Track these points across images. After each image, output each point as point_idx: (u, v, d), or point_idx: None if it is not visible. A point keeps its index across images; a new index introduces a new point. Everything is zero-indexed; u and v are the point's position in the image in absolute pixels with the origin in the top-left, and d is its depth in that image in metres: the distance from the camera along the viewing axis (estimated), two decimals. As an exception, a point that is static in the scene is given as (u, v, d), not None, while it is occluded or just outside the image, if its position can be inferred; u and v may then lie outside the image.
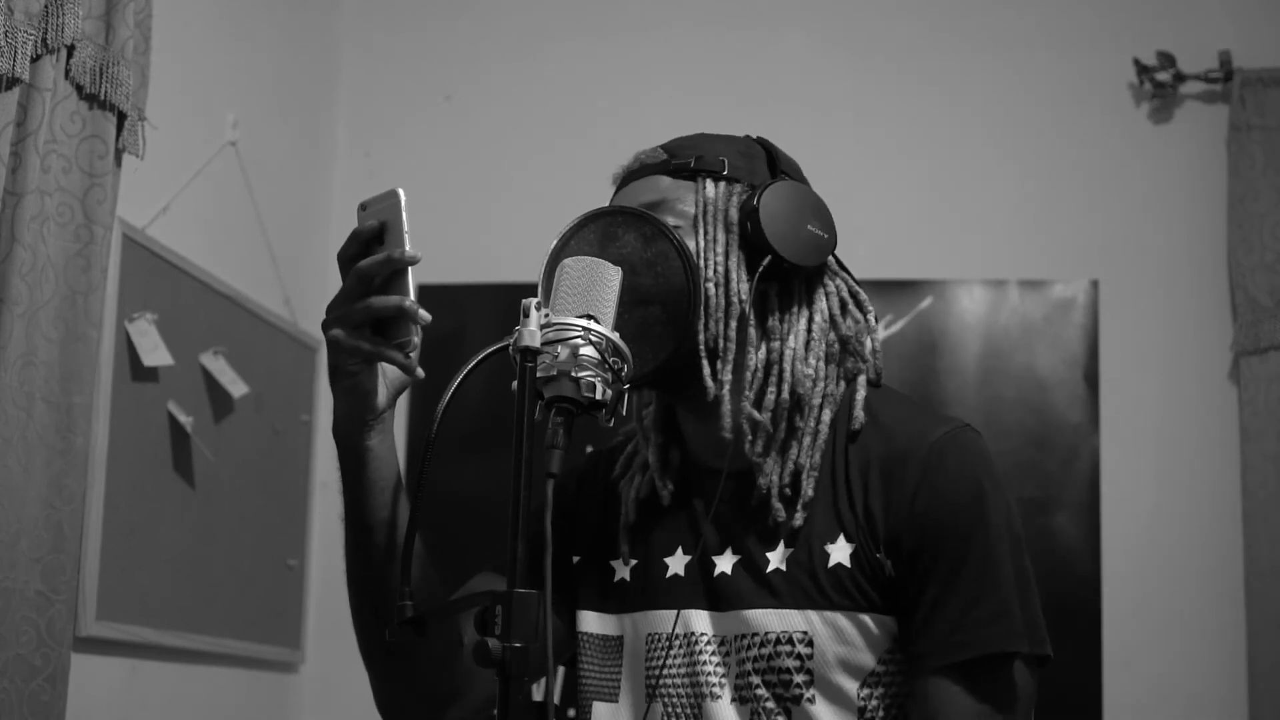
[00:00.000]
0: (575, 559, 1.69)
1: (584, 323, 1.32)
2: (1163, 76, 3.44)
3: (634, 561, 1.63)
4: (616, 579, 1.64)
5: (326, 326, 1.46)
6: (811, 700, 1.50)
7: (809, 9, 3.64)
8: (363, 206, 1.47)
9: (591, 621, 1.65)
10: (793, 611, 1.50)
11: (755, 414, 1.54)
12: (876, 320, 1.64)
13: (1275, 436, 3.23)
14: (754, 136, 1.66)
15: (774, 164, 1.62)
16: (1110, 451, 3.37)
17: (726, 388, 1.55)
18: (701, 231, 1.56)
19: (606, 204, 1.61)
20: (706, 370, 1.55)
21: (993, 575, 1.48)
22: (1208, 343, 3.39)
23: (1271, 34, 3.44)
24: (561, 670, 1.79)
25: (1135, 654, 3.29)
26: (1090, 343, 3.41)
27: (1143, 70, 3.44)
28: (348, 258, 1.46)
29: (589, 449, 1.76)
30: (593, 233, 1.54)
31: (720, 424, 1.55)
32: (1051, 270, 3.46)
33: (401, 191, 1.44)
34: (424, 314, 1.42)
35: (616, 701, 1.61)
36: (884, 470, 1.52)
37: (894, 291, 3.44)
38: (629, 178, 1.63)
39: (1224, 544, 3.30)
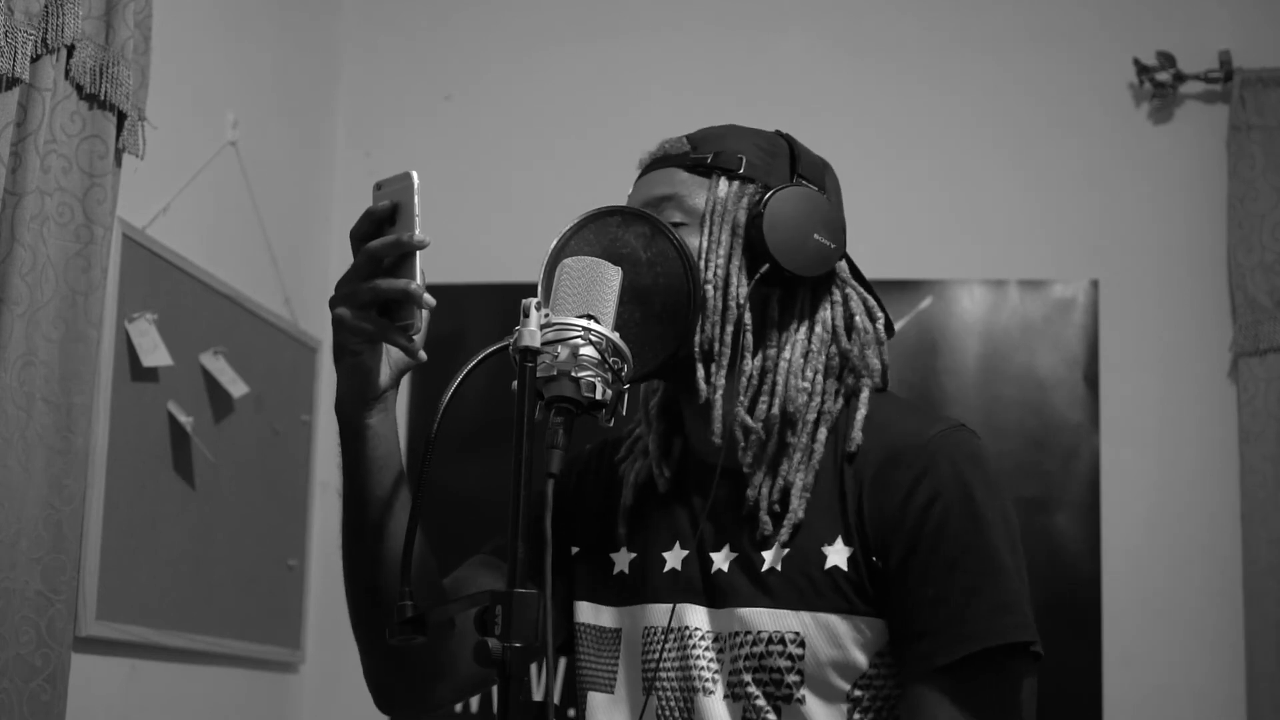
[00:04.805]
0: (574, 550, 1.69)
1: (584, 323, 1.32)
2: (1163, 76, 3.44)
3: (633, 555, 1.63)
4: (615, 571, 1.64)
5: (333, 304, 1.47)
6: (802, 700, 1.49)
7: (809, 9, 3.64)
8: (378, 186, 1.48)
9: (589, 613, 1.65)
10: (786, 612, 1.50)
11: (748, 420, 1.54)
12: (890, 330, 1.63)
13: (1274, 437, 3.23)
14: (782, 133, 1.65)
15: (795, 165, 1.60)
16: (1110, 451, 3.37)
17: (719, 392, 1.55)
18: (707, 231, 1.56)
19: (611, 201, 1.61)
20: (701, 374, 1.55)
21: (990, 570, 1.47)
22: (1207, 343, 3.39)
23: (1271, 34, 3.44)
24: (562, 669, 1.80)
25: (1135, 654, 3.28)
26: (1090, 343, 3.41)
27: (1143, 70, 3.44)
28: (360, 236, 1.46)
29: (588, 448, 1.76)
30: (593, 232, 1.55)
31: (711, 429, 1.55)
32: (1051, 270, 3.46)
33: (415, 175, 1.45)
34: (429, 298, 1.43)
35: (612, 693, 1.62)
36: (879, 472, 1.51)
37: (894, 291, 3.44)
38: (650, 166, 1.63)
39: (1223, 544, 3.30)
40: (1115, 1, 3.54)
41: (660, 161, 1.62)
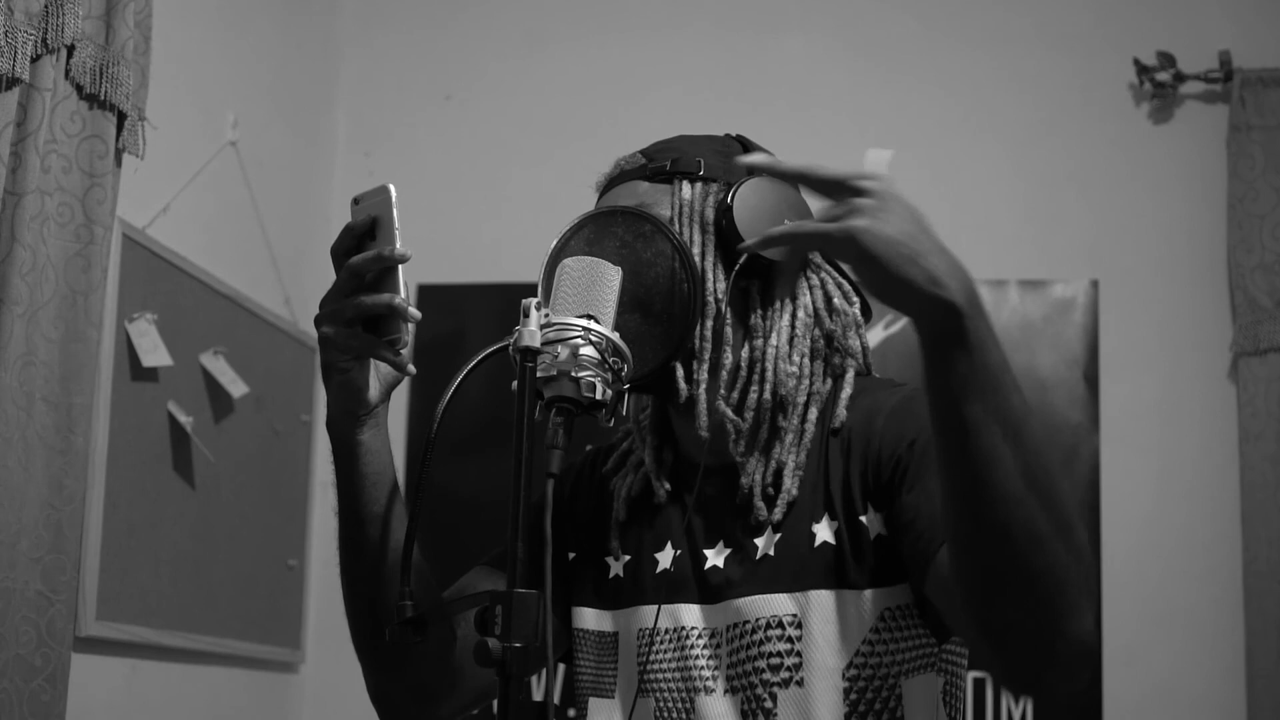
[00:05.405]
0: (570, 555, 1.69)
1: (584, 323, 1.32)
2: (1163, 76, 3.44)
3: (627, 558, 1.63)
4: (611, 575, 1.64)
5: (318, 322, 1.47)
6: (800, 683, 1.49)
7: (809, 10, 3.64)
8: (355, 200, 1.47)
9: (587, 618, 1.65)
10: (781, 595, 1.51)
11: (729, 413, 1.55)
12: (867, 312, 1.63)
13: (1274, 437, 3.23)
14: (732, 134, 1.67)
15: None
16: (1110, 451, 3.37)
17: (702, 388, 1.55)
18: (678, 233, 1.56)
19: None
20: (680, 372, 1.55)
21: None
22: (1207, 343, 3.39)
23: (1271, 34, 3.44)
24: (562, 669, 1.80)
25: (1135, 654, 3.29)
26: (1090, 343, 3.41)
27: (1143, 70, 3.44)
28: (340, 252, 1.46)
29: (588, 448, 1.76)
30: (593, 232, 1.55)
31: (697, 423, 1.56)
32: (1051, 270, 3.46)
33: (392, 188, 1.44)
34: (414, 311, 1.43)
35: (613, 697, 1.61)
36: (858, 434, 1.52)
37: (894, 291, 3.44)
38: (609, 184, 1.64)
39: (1223, 544, 3.30)
40: (1115, 1, 3.54)
41: (618, 179, 1.63)
